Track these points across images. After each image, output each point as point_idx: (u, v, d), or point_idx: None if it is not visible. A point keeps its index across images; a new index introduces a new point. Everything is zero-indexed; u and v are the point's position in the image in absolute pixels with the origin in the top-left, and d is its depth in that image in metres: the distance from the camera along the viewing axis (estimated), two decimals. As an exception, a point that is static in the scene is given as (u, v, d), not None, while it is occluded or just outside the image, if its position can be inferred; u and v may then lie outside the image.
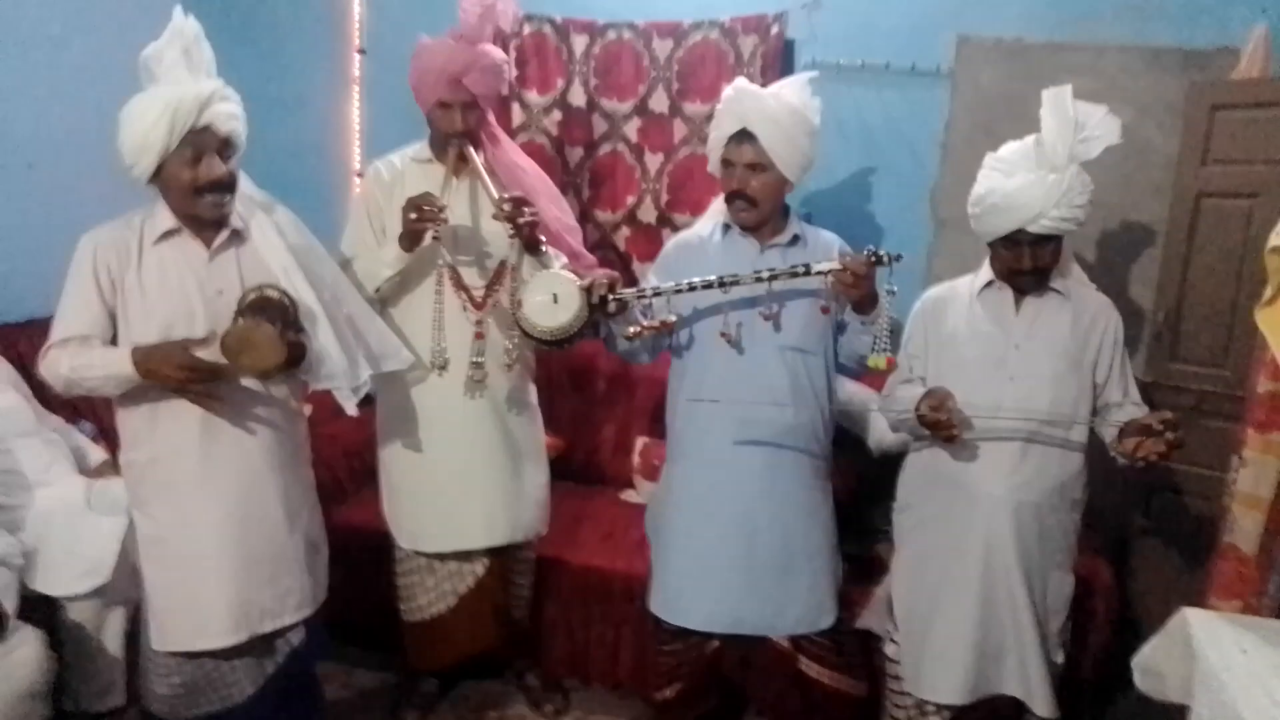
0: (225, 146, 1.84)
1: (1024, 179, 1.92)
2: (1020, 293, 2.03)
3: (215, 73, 1.89)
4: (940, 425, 1.93)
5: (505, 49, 2.32)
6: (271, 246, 1.91)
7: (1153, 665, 1.75)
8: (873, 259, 1.92)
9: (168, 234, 1.87)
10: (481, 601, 2.41)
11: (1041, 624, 2.03)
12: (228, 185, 1.86)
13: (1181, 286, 2.62)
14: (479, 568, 2.40)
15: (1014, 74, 2.83)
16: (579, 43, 3.16)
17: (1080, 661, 2.37)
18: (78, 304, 1.83)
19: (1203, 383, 2.58)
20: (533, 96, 3.20)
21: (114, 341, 1.86)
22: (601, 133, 3.21)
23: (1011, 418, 1.95)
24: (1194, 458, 2.61)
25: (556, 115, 3.21)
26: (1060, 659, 2.10)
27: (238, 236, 1.92)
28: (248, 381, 1.89)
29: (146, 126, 1.76)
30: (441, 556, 2.39)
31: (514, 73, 3.10)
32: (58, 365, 1.81)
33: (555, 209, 2.40)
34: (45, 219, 3.11)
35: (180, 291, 1.86)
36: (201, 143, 1.80)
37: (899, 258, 1.93)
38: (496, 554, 2.41)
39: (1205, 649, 1.63)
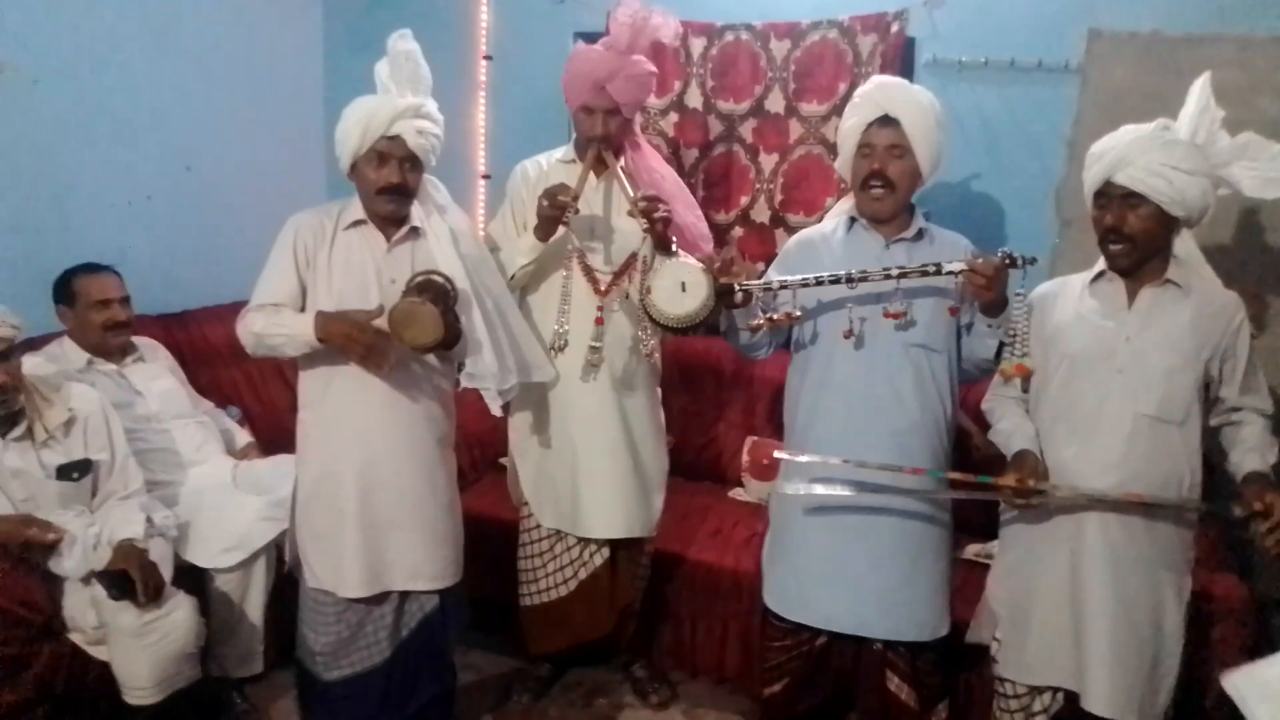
0: (410, 158, 2.04)
1: (1133, 133, 1.85)
2: (1122, 274, 1.91)
3: (427, 90, 2.09)
4: (1019, 504, 1.91)
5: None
6: (443, 249, 2.10)
7: None
8: (1006, 261, 1.90)
9: (356, 223, 2.11)
10: (599, 589, 2.46)
11: (1140, 631, 1.88)
12: (402, 191, 2.05)
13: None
14: (599, 556, 2.45)
15: (1149, 68, 2.72)
16: (697, 45, 3.19)
17: (1204, 695, 2.17)
18: (275, 275, 2.07)
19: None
20: (650, 99, 3.24)
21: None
22: (717, 133, 3.23)
23: (1097, 496, 1.86)
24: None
25: (674, 117, 3.24)
26: (1169, 683, 1.91)
27: (416, 233, 2.12)
28: (413, 365, 2.09)
29: (347, 128, 2.01)
30: (561, 535, 2.45)
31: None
32: (252, 325, 2.03)
33: (690, 215, 2.46)
34: (201, 219, 3.33)
35: (360, 274, 2.07)
36: (388, 150, 2.02)
37: (1034, 261, 1.91)
38: (617, 544, 2.46)
39: None
